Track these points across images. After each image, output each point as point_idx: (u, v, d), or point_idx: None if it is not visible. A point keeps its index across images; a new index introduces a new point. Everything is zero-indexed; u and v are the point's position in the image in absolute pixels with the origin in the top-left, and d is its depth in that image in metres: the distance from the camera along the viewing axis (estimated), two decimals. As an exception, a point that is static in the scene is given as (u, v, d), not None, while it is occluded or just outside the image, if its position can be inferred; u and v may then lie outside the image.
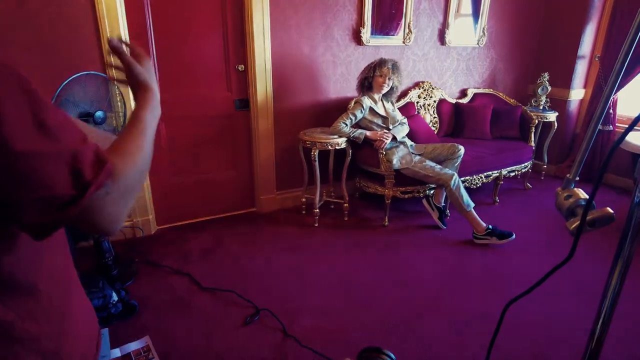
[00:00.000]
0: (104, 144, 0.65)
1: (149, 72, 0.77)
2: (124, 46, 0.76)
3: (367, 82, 2.97)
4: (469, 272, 2.46)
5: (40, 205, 0.48)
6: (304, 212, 3.18)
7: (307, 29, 2.99)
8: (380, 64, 2.92)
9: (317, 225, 3.00)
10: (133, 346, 1.79)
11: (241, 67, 2.91)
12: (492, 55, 3.98)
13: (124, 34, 2.46)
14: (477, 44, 3.82)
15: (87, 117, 2.13)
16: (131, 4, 2.48)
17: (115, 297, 2.01)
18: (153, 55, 2.64)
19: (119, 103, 2.32)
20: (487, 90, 3.96)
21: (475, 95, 3.91)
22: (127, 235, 2.75)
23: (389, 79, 2.92)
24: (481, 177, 3.32)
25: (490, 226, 2.75)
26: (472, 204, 2.80)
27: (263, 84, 2.92)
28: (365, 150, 3.03)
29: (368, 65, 2.99)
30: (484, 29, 3.80)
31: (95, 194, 0.52)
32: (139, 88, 0.76)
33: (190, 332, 1.93)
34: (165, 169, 2.88)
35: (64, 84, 2.01)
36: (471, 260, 2.59)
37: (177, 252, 2.64)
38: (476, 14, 3.73)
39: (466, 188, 3.02)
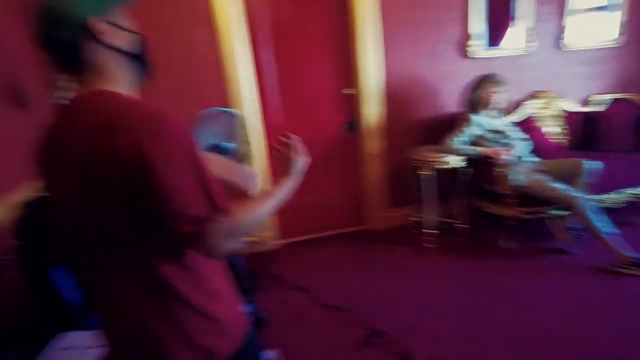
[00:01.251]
0: (228, 171, 1.14)
1: (297, 163, 1.08)
2: (288, 140, 1.10)
3: (475, 99, 2.85)
4: (608, 306, 2.19)
5: (186, 221, 0.74)
6: (416, 231, 3.16)
7: (416, 46, 2.99)
8: (485, 79, 2.80)
9: (430, 246, 2.95)
10: (268, 355, 1.95)
11: (350, 90, 3.02)
12: (632, 54, 3.50)
13: (249, 68, 2.74)
14: (610, 43, 3.40)
15: (215, 148, 2.40)
16: (254, 39, 2.77)
17: (247, 309, 2.21)
18: (274, 84, 2.89)
19: (244, 134, 2.58)
20: (624, 95, 3.49)
21: (608, 101, 3.47)
22: (252, 250, 3.02)
23: (496, 93, 2.78)
24: (627, 195, 2.94)
25: (637, 255, 2.41)
26: (612, 229, 2.48)
27: (373, 105, 2.99)
28: (482, 168, 2.90)
29: (473, 81, 2.87)
30: (621, 24, 3.36)
31: (216, 223, 0.75)
32: (285, 172, 1.07)
33: (309, 349, 2.05)
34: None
35: (200, 121, 2.30)
36: (608, 292, 2.30)
37: (295, 267, 2.83)
38: (608, 8, 3.33)
39: (607, 208, 2.70)
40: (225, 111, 2.43)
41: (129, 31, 0.86)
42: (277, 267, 2.84)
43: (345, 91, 3.02)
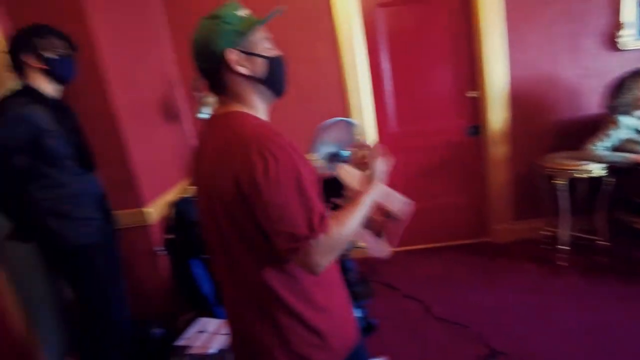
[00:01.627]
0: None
1: (379, 169, 1.09)
2: (368, 146, 1.13)
3: (626, 98, 2.43)
4: None
5: (287, 238, 0.83)
6: (547, 246, 2.83)
7: (549, 43, 2.69)
8: (635, 75, 2.38)
9: (564, 264, 2.62)
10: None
11: (473, 94, 2.86)
12: None
13: (364, 77, 2.80)
14: None
15: (334, 156, 2.49)
16: (371, 55, 2.82)
17: (358, 314, 2.26)
18: (390, 91, 2.90)
19: (360, 141, 2.64)
20: None
21: None
22: (363, 255, 3.05)
23: None
24: None
25: None
26: None
27: (497, 108, 2.79)
28: (631, 177, 2.48)
29: (623, 77, 2.45)
30: None
31: (315, 239, 0.83)
32: (368, 179, 1.07)
33: (423, 361, 2.00)
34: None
35: (320, 130, 2.41)
36: None
37: (409, 276, 2.78)
38: None
39: None
40: (343, 120, 2.52)
41: (261, 56, 0.94)
42: (391, 275, 2.82)
43: (469, 94, 2.87)
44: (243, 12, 0.95)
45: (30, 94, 1.58)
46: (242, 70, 0.92)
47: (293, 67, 2.68)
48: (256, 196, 0.83)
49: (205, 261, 2.27)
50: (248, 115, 0.95)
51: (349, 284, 2.57)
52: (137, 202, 2.19)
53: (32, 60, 1.58)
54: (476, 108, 2.88)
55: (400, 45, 2.84)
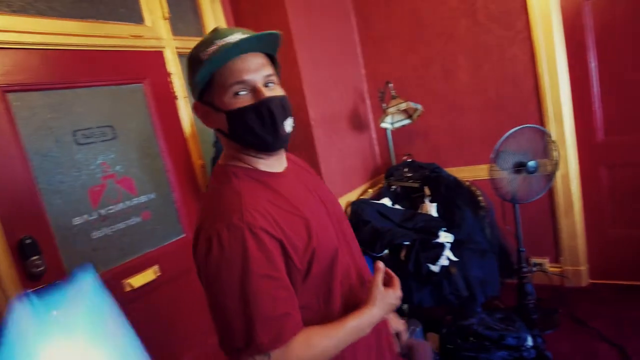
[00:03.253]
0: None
1: (381, 297, 0.88)
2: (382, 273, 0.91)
3: None
4: None
5: (222, 342, 0.76)
6: None
7: None
8: None
9: None
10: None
11: None
12: None
13: (564, 81, 2.47)
14: None
15: (520, 166, 2.29)
16: (572, 54, 2.47)
17: (530, 342, 2.04)
18: (597, 95, 2.47)
19: (554, 152, 2.34)
20: None
21: None
22: (553, 282, 2.68)
23: None
24: None
25: None
26: None
27: None
28: None
29: None
30: None
31: (257, 357, 0.73)
32: (365, 301, 0.88)
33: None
34: (607, 219, 2.58)
35: (506, 139, 2.26)
36: None
37: (610, 315, 2.31)
38: None
39: None
40: (532, 128, 2.30)
41: (217, 109, 0.81)
42: (586, 311, 2.40)
43: None
44: (217, 47, 0.78)
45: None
46: (207, 124, 0.86)
47: (483, 72, 2.62)
48: (204, 288, 0.79)
49: (373, 259, 2.44)
50: (234, 172, 0.84)
51: (526, 310, 2.33)
52: (321, 199, 2.53)
53: None
54: None
55: (610, 43, 2.38)
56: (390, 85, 2.70)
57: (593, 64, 2.46)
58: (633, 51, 2.34)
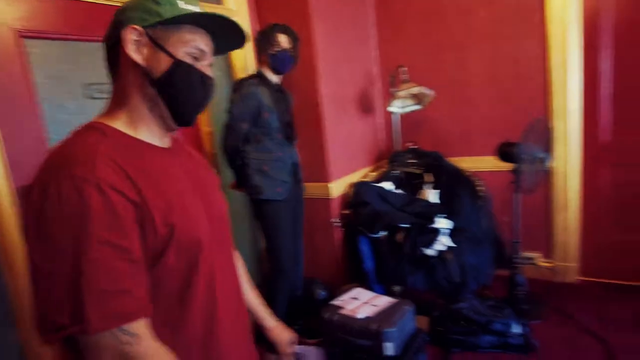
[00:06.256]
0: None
1: None
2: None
3: None
4: None
5: (51, 317, 0.61)
6: None
7: None
8: None
9: None
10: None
11: None
12: None
13: (577, 79, 2.49)
14: None
15: (539, 160, 2.30)
16: (588, 53, 2.48)
17: (516, 329, 2.10)
18: (608, 94, 2.49)
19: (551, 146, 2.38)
20: None
21: None
22: (544, 276, 2.74)
23: None
24: None
25: None
26: None
27: None
28: None
29: None
30: None
31: (88, 336, 0.61)
32: None
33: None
34: (604, 220, 2.63)
35: (526, 132, 2.25)
36: None
37: (594, 310, 2.37)
38: None
39: None
40: (540, 121, 2.32)
41: (168, 53, 0.74)
42: (569, 303, 2.46)
43: None
44: (202, 9, 0.77)
45: (259, 77, 2.08)
46: (134, 55, 0.73)
47: (495, 63, 2.63)
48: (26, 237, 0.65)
49: (371, 240, 2.48)
50: (103, 130, 0.73)
51: (516, 300, 2.39)
52: (325, 177, 2.56)
53: (261, 54, 2.08)
54: None
55: (628, 42, 2.39)
56: (403, 69, 2.70)
57: (608, 64, 2.47)
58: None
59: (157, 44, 0.73)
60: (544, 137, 2.36)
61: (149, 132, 0.78)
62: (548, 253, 2.75)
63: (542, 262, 2.76)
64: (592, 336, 2.16)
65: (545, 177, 2.54)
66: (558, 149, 2.54)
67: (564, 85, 2.51)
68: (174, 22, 0.73)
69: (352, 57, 2.82)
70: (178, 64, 0.74)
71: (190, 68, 0.76)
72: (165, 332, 0.71)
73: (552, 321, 2.33)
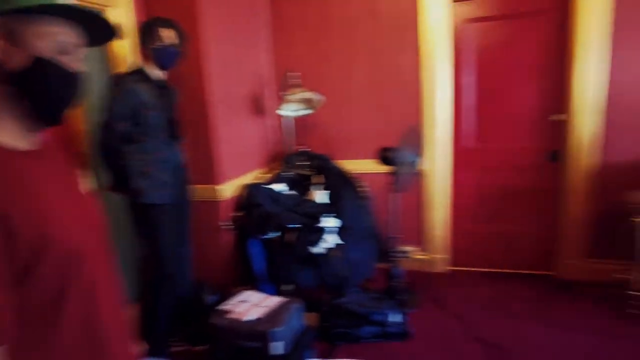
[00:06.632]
0: None
1: None
2: None
3: None
4: None
5: None
6: (618, 291, 2.52)
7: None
8: None
9: (634, 312, 2.34)
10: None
11: (560, 117, 2.70)
12: None
13: (448, 92, 2.81)
14: None
15: (407, 162, 2.54)
16: (458, 68, 2.83)
17: (392, 319, 2.29)
18: (471, 106, 2.87)
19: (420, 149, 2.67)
20: None
21: None
22: (420, 268, 3.04)
23: None
24: None
25: None
26: None
27: (586, 134, 2.59)
28: None
29: None
30: None
31: None
32: None
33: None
34: (468, 215, 3.03)
35: (403, 138, 2.49)
36: None
37: (460, 296, 2.71)
38: None
39: None
40: (414, 129, 2.57)
41: (33, 53, 0.67)
42: (441, 291, 2.78)
43: (553, 117, 2.71)
44: None
45: (139, 73, 1.95)
46: None
47: (374, 73, 2.86)
48: None
49: (263, 242, 2.49)
50: None
51: (394, 291, 2.61)
52: (213, 179, 2.50)
53: (144, 48, 1.96)
54: (559, 132, 2.71)
55: (488, 60, 2.79)
56: (291, 74, 2.77)
57: (472, 78, 2.85)
58: (504, 72, 2.78)
59: (11, 36, 0.66)
60: (417, 143, 2.62)
61: (10, 133, 0.70)
62: (423, 247, 3.06)
63: (418, 255, 3.06)
64: (457, 318, 2.46)
65: (418, 179, 2.83)
66: (429, 154, 2.85)
67: (433, 97, 2.83)
68: (33, 11, 0.66)
69: (244, 59, 2.81)
70: (36, 58, 0.68)
71: (50, 63, 0.69)
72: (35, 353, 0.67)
73: (426, 309, 2.59)
